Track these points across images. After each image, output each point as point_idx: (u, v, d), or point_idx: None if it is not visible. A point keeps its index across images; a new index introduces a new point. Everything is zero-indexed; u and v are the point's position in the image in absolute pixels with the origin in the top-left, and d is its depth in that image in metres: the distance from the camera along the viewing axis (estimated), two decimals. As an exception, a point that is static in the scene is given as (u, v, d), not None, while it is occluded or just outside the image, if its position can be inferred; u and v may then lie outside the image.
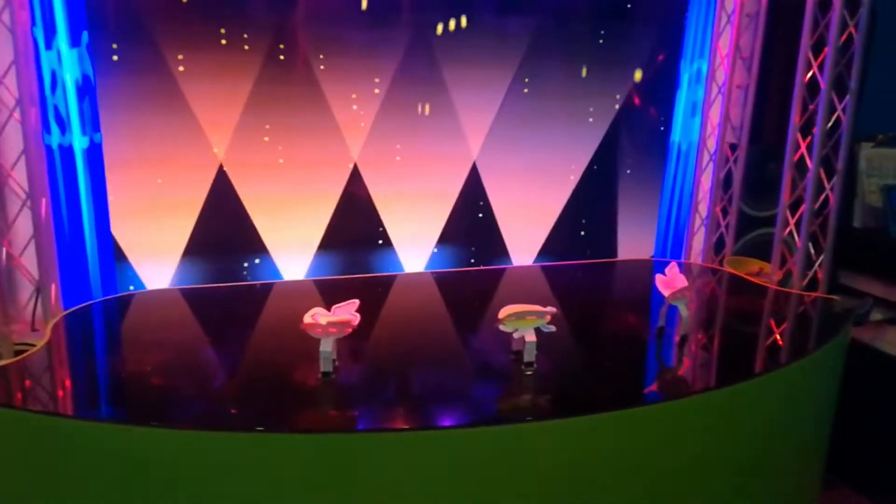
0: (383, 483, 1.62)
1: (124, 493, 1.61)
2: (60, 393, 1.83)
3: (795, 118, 2.57)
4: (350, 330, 1.83)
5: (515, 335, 1.93)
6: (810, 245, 2.60)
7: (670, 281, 2.13)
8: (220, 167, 2.51)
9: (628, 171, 3.04)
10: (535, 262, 2.98)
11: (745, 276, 2.77)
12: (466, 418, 1.73)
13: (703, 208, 3.01)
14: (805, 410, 2.16)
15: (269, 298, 2.53)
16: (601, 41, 2.86)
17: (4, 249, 2.05)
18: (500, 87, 2.79)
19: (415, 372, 1.96)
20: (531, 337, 1.91)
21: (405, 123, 2.70)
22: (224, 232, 2.57)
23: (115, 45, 2.31)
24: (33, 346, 1.99)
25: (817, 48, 2.53)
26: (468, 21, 2.67)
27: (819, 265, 2.59)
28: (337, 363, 1.86)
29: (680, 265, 2.91)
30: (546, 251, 2.98)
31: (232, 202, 2.55)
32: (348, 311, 1.84)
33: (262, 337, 2.22)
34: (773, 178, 2.92)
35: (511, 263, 2.94)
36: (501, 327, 1.91)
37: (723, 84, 2.85)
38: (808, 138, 2.57)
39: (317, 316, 1.81)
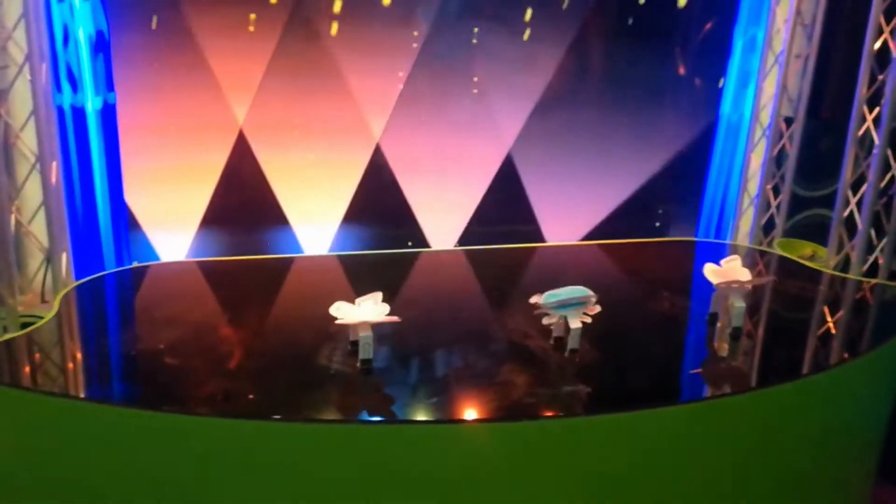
0: (421, 474, 1.54)
1: (131, 478, 1.53)
2: (66, 370, 1.73)
3: (862, 89, 2.37)
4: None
5: (556, 321, 1.79)
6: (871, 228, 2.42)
7: (729, 273, 1.96)
8: (241, 132, 2.36)
9: (673, 147, 2.85)
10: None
11: (799, 260, 2.60)
12: (508, 410, 1.60)
13: (752, 186, 2.82)
14: (867, 406, 2.02)
15: (290, 273, 2.39)
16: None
17: (13, 216, 1.92)
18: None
19: (449, 359, 1.84)
20: (576, 323, 1.76)
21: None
22: (245, 201, 2.42)
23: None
24: (42, 318, 1.88)
25: (888, 15, 2.32)
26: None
27: (881, 250, 2.41)
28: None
29: (728, 248, 2.77)
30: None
31: (252, 169, 2.40)
32: (377, 310, 1.70)
33: (284, 315, 2.10)
34: (826, 156, 2.73)
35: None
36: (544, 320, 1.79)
37: (780, 53, 2.65)
38: (874, 112, 2.37)
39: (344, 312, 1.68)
